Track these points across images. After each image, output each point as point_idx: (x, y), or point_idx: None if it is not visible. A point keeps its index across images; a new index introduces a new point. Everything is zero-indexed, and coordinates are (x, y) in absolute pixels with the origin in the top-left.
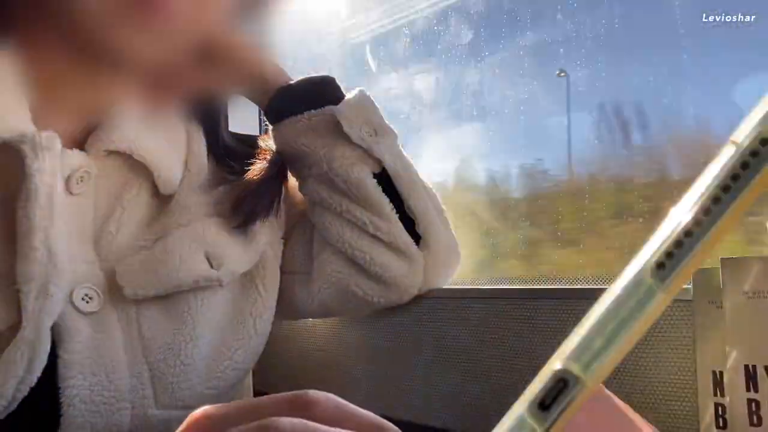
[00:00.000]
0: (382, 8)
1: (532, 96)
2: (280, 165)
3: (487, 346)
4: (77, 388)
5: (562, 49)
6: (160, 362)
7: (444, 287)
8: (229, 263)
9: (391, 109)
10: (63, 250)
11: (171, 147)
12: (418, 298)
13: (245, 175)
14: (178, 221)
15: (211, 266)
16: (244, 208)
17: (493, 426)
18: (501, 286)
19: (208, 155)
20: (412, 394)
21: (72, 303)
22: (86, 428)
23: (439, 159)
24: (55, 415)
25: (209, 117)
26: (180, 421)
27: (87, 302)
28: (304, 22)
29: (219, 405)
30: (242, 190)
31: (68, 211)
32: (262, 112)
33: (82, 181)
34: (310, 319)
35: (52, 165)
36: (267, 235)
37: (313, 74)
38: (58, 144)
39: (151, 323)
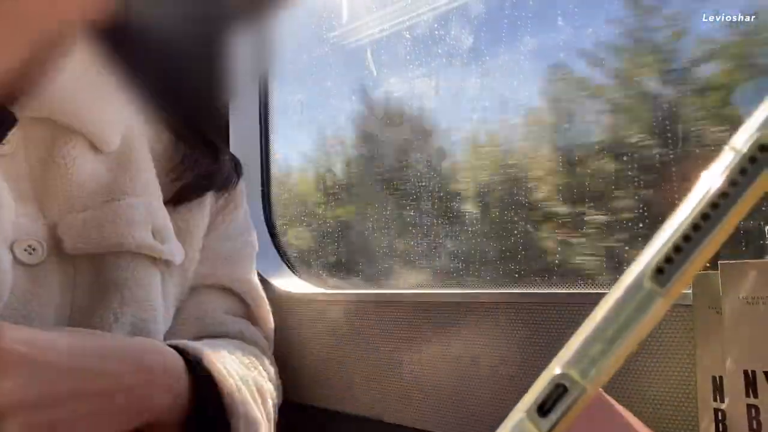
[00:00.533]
0: (383, 11)
1: None
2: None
3: (488, 351)
4: None
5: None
6: (82, 327)
7: (444, 291)
8: (173, 245)
9: (392, 111)
10: None
11: (106, 107)
12: (417, 304)
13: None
14: (132, 190)
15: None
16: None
17: (494, 430)
18: (500, 290)
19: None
20: (414, 399)
21: (13, 253)
22: None
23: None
24: None
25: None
26: None
27: (30, 254)
28: (304, 23)
29: None
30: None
31: (1, 171)
32: (262, 117)
33: (8, 141)
34: (309, 327)
35: None
36: (199, 242)
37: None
38: None
39: (84, 289)
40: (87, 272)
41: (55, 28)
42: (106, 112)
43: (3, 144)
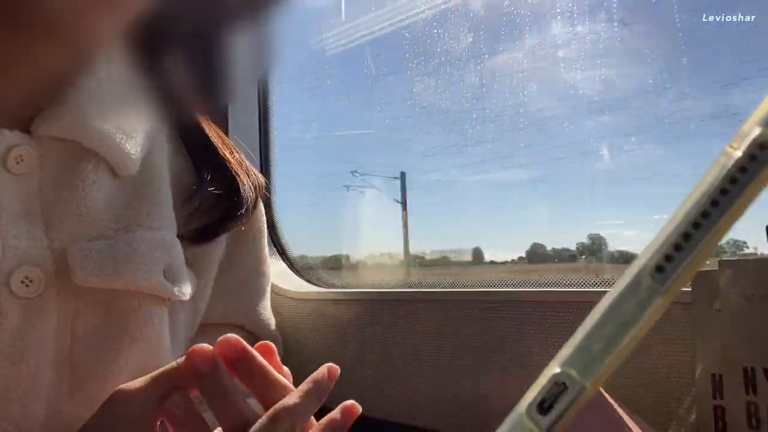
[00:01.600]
0: (381, 10)
1: None
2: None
3: (490, 349)
4: None
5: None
6: (84, 365)
7: (444, 290)
8: (184, 285)
9: (390, 111)
10: None
11: (129, 127)
12: (418, 302)
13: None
14: (148, 223)
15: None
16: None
17: (494, 429)
18: (500, 289)
19: (181, 153)
20: (414, 397)
21: (8, 285)
22: None
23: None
24: None
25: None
26: None
27: (27, 285)
28: (303, 22)
29: None
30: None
31: (9, 190)
32: (261, 116)
33: (22, 160)
34: (308, 326)
35: None
36: (214, 272)
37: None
38: None
39: (87, 324)
40: (91, 306)
41: (89, 37)
42: (129, 134)
43: (19, 162)
